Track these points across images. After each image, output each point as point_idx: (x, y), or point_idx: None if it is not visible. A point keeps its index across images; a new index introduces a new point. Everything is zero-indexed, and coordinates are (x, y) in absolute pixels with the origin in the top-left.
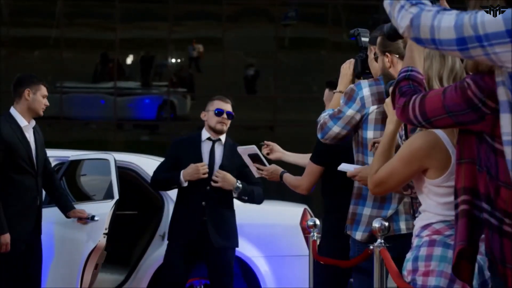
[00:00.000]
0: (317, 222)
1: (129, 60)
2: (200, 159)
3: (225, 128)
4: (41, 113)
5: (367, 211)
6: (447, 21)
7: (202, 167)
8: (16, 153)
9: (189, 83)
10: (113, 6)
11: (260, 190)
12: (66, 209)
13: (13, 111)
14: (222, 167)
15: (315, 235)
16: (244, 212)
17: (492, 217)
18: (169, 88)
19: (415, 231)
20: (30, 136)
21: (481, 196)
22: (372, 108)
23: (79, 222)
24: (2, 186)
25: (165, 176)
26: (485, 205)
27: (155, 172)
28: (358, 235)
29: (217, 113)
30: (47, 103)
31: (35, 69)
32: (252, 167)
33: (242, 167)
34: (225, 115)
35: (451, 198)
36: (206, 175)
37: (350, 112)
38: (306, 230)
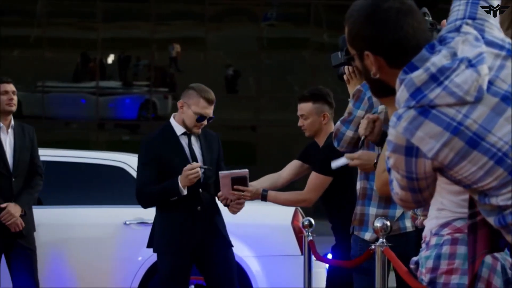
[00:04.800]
0: (312, 221)
1: (111, 59)
2: (184, 157)
3: (200, 130)
4: (8, 109)
5: (373, 211)
6: (397, 189)
7: (195, 169)
8: None
9: (171, 83)
10: (95, 5)
11: None
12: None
13: None
14: (204, 162)
15: (309, 234)
16: None
17: None
18: (150, 88)
19: (432, 229)
20: (6, 137)
21: None
22: (381, 108)
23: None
24: None
25: (159, 191)
26: None
27: (141, 187)
28: (367, 236)
29: (198, 118)
30: (11, 97)
31: (16, 68)
32: (225, 189)
33: (219, 158)
34: (205, 122)
35: (466, 196)
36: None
37: (359, 113)
38: (297, 230)
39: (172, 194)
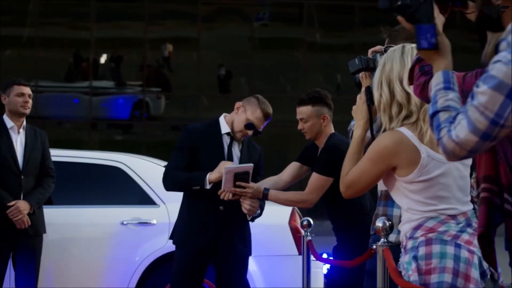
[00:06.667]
0: (311, 221)
1: (104, 59)
2: (222, 155)
3: (242, 139)
4: (22, 111)
5: (397, 212)
6: (463, 131)
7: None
8: None
9: (164, 83)
10: (89, 5)
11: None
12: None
13: (4, 116)
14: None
15: (308, 234)
16: None
17: None
18: (143, 87)
19: (406, 233)
20: (16, 137)
21: (504, 187)
22: (351, 125)
23: None
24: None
25: (186, 177)
26: (507, 196)
27: (170, 169)
28: (392, 237)
29: (247, 124)
30: (27, 99)
31: (9, 68)
32: (228, 185)
33: (258, 164)
34: (251, 132)
35: (428, 193)
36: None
37: None
38: (294, 230)
39: (196, 183)
